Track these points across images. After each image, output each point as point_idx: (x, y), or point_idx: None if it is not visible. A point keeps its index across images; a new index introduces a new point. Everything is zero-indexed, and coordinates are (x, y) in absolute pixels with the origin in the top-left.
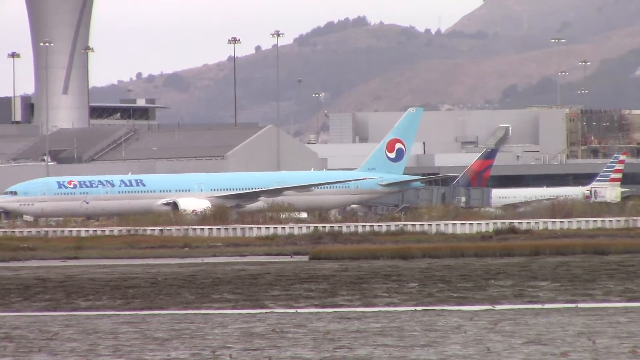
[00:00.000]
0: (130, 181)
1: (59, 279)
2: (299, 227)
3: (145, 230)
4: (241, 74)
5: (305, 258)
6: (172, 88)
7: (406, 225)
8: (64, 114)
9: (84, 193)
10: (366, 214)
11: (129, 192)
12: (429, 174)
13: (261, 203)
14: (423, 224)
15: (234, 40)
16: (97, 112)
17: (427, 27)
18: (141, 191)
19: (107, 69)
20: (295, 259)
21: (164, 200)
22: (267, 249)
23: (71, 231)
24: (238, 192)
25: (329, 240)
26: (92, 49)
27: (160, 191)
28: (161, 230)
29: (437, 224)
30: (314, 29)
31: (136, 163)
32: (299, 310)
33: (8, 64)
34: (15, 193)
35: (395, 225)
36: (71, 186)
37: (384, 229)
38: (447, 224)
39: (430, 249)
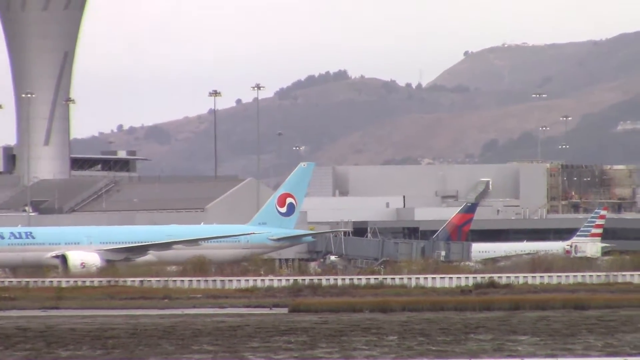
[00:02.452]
0: (20, 233)
1: (39, 329)
2: (278, 279)
3: (125, 281)
4: (222, 126)
5: (285, 310)
6: (153, 140)
7: (386, 278)
8: (45, 165)
9: None
10: (345, 267)
11: (18, 244)
12: (408, 228)
13: (150, 256)
14: (403, 278)
15: (215, 93)
16: (78, 164)
17: (408, 81)
18: (31, 244)
19: (89, 120)
20: (274, 311)
21: (53, 253)
22: (246, 301)
23: (52, 281)
24: (127, 245)
25: (308, 292)
26: (74, 100)
27: (50, 244)
28: (141, 281)
29: (416, 278)
30: (294, 82)
31: (117, 214)
32: None
33: None
34: None
35: (375, 278)
36: None
37: (364, 282)
38: (426, 278)
39: (410, 302)
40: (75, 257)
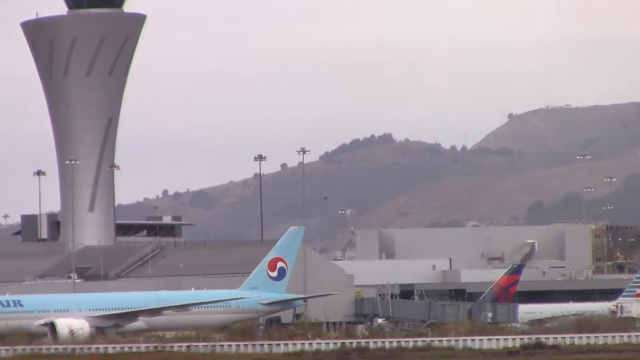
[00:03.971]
0: (7, 302)
1: None
2: (325, 342)
3: (172, 346)
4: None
5: None
6: (198, 205)
7: (433, 340)
8: (90, 232)
9: None
10: (393, 330)
11: (6, 312)
12: (455, 290)
13: (141, 323)
14: (450, 340)
15: (260, 158)
16: (123, 229)
17: (453, 143)
18: (18, 312)
19: (133, 186)
20: None
21: (42, 321)
22: None
23: (98, 348)
24: (116, 311)
25: (356, 356)
26: (118, 166)
27: (39, 311)
28: (188, 346)
29: (464, 339)
30: (339, 146)
31: (163, 280)
32: None
33: (34, 181)
34: None
35: (423, 340)
36: None
37: (411, 344)
38: (474, 339)
39: None
40: (64, 325)
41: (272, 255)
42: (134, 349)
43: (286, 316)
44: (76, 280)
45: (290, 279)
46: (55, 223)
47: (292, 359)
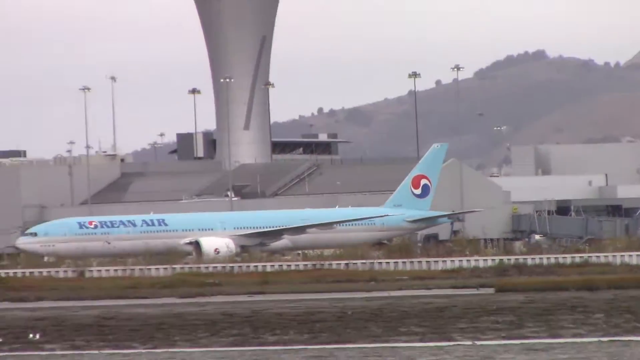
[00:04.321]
0: (152, 221)
1: (245, 314)
2: (483, 259)
3: (330, 264)
4: (422, 107)
5: (491, 290)
6: (353, 122)
7: (590, 256)
8: (245, 150)
9: (105, 233)
10: (550, 246)
11: (151, 231)
12: (611, 206)
13: (286, 241)
14: (607, 256)
15: (415, 75)
16: (279, 147)
17: (606, 60)
18: (163, 230)
19: (289, 103)
20: (481, 291)
21: (187, 240)
22: (452, 282)
23: (257, 266)
24: (261, 230)
25: (514, 272)
26: (273, 84)
27: (183, 230)
28: (347, 264)
29: (621, 255)
30: (493, 62)
31: (319, 197)
32: (480, 343)
33: (189, 100)
34: (35, 234)
35: (580, 257)
36: (92, 226)
37: (569, 260)
38: (631, 255)
39: (616, 280)
40: (209, 243)
41: (415, 172)
42: (293, 267)
43: (444, 233)
44: (233, 199)
45: (447, 196)
46: (211, 141)
47: (450, 276)
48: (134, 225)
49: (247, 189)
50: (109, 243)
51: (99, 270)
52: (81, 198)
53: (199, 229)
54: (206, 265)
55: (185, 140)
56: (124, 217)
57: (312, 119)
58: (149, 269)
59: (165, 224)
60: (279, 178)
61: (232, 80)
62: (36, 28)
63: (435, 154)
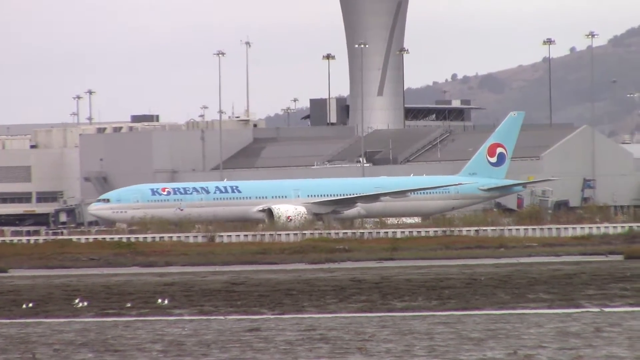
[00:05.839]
0: (225, 188)
1: (374, 280)
2: (613, 226)
3: (460, 230)
4: (555, 74)
5: (621, 257)
6: (487, 89)
7: None
8: (378, 116)
9: (178, 200)
10: None
11: (224, 198)
12: None
13: (359, 209)
14: None
15: (549, 42)
16: (412, 114)
17: None
18: (237, 197)
19: (422, 70)
20: (610, 258)
21: (260, 207)
22: (582, 249)
23: (387, 232)
24: (335, 198)
25: None
26: (407, 50)
27: (257, 197)
28: (477, 230)
29: None
30: (628, 30)
31: (451, 164)
32: (608, 310)
33: (323, 65)
34: (108, 200)
35: None
36: (165, 193)
37: None
38: None
39: None
40: (282, 211)
41: (491, 140)
42: (423, 233)
43: (574, 199)
44: (365, 165)
45: (578, 163)
46: (344, 107)
47: (579, 243)
48: (207, 192)
49: (378, 155)
50: (181, 210)
51: (229, 236)
52: (213, 163)
53: (273, 197)
54: (336, 231)
55: (318, 106)
56: (198, 184)
57: (445, 85)
58: (279, 234)
59: (239, 191)
60: (411, 144)
61: (367, 46)
62: None
63: (512, 122)
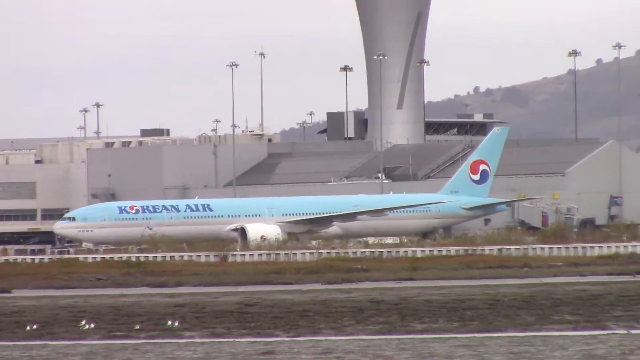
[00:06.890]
0: (196, 206)
1: (393, 301)
2: None
3: (483, 249)
4: (582, 87)
5: None
6: (510, 102)
7: None
8: (398, 130)
9: (146, 219)
10: None
11: (195, 217)
12: None
13: (336, 228)
14: None
15: (574, 53)
16: (432, 128)
17: None
18: (208, 216)
19: (443, 82)
20: (638, 278)
21: (232, 226)
22: (608, 269)
23: (406, 251)
24: (310, 216)
25: None
26: (428, 62)
27: (229, 216)
28: (500, 249)
29: None
30: None
31: None
32: (635, 332)
33: (340, 78)
34: (73, 219)
35: None
36: (133, 211)
37: None
38: None
39: None
40: (255, 230)
41: (474, 157)
42: (444, 252)
43: (601, 217)
44: (384, 181)
45: (605, 178)
46: (362, 121)
47: (606, 262)
48: (177, 210)
49: (398, 170)
50: (150, 229)
51: (242, 255)
52: (225, 179)
53: (246, 215)
54: (354, 250)
55: (335, 120)
56: (167, 202)
57: (467, 98)
58: (295, 253)
59: (211, 210)
60: (432, 160)
61: (386, 57)
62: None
63: (496, 138)
